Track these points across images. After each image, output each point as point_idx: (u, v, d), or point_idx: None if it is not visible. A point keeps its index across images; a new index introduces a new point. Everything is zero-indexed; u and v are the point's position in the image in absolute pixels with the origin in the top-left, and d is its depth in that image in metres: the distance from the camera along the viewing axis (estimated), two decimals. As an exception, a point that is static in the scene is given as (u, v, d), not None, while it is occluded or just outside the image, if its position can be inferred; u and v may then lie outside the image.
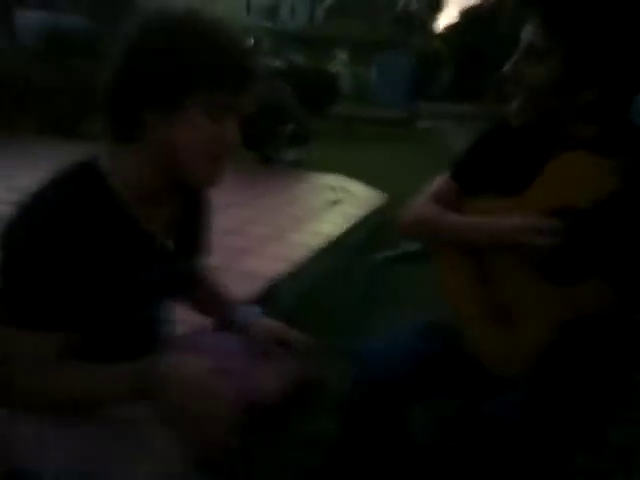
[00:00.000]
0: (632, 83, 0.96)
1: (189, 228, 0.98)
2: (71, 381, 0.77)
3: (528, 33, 0.96)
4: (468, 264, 1.14)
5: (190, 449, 0.76)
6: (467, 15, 22.60)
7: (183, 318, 1.46)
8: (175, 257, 0.92)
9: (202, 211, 1.04)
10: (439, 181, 1.20)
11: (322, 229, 3.29)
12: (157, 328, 1.00)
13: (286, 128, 5.29)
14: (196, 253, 1.03)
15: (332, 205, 3.88)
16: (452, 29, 24.25)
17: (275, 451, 1.51)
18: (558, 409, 1.04)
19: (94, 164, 0.81)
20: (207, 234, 1.08)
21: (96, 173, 0.81)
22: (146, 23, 0.78)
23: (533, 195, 1.05)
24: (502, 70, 1.01)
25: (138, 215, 0.84)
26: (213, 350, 1.05)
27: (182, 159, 0.79)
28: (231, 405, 0.76)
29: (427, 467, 1.46)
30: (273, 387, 1.02)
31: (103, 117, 0.81)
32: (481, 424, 1.03)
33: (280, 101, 5.37)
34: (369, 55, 19.59)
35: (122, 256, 0.82)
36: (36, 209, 0.76)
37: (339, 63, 19.74)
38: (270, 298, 2.30)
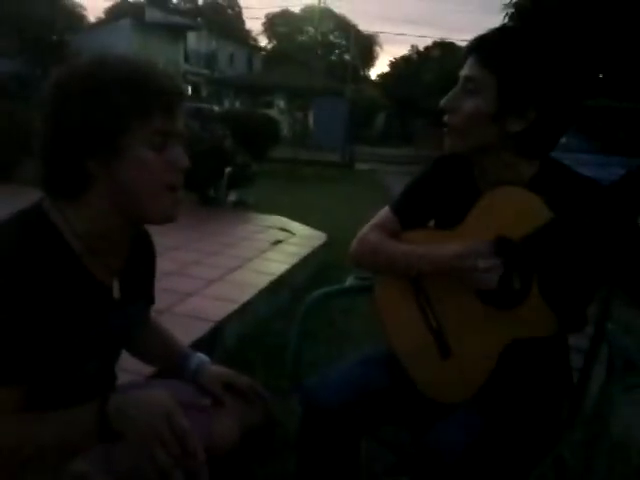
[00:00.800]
0: (557, 118, 1.03)
1: (136, 275, 0.95)
2: (22, 429, 0.72)
3: (466, 69, 1.04)
4: (406, 293, 1.17)
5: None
6: (397, 65, 24.10)
7: (125, 366, 1.42)
8: (122, 304, 0.90)
9: (149, 258, 1.02)
10: (381, 214, 1.26)
11: (266, 268, 3.29)
12: (110, 378, 0.98)
13: (227, 170, 5.32)
14: (144, 299, 1.01)
15: (275, 245, 3.90)
16: (383, 78, 25.69)
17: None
18: (504, 433, 1.06)
19: (43, 214, 0.79)
20: (153, 280, 1.06)
21: (47, 224, 0.78)
22: (70, 69, 0.77)
23: (469, 227, 1.11)
24: (440, 103, 1.07)
25: (88, 261, 0.81)
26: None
27: (138, 199, 0.78)
28: (193, 437, 0.75)
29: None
30: (227, 433, 1.00)
31: (41, 168, 0.78)
32: (424, 455, 1.04)
33: (221, 144, 5.42)
34: (306, 102, 20.23)
35: (77, 308, 0.79)
36: None
37: (277, 109, 20.23)
38: (215, 339, 2.26)
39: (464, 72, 1.04)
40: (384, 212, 1.26)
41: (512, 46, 1.00)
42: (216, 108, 15.21)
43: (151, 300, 1.07)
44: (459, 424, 1.06)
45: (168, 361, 1.11)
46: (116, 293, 0.88)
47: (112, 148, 0.75)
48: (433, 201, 1.19)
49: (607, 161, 4.82)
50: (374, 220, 1.26)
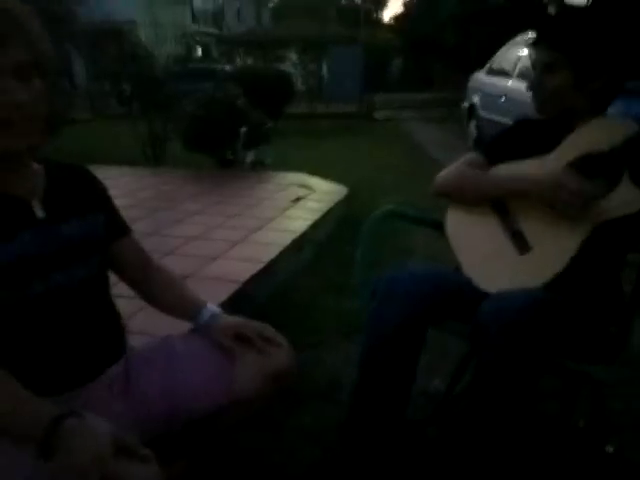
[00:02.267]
0: (623, 73, 1.25)
1: (66, 197, 0.96)
2: None
3: (541, 54, 1.27)
4: (483, 211, 1.29)
5: None
6: (411, 4, 22.88)
7: (144, 329, 1.45)
8: (49, 221, 0.91)
9: (85, 183, 1.03)
10: (466, 157, 1.39)
11: (288, 226, 3.29)
12: (85, 300, 0.95)
13: (242, 130, 5.26)
14: (88, 219, 0.99)
15: (296, 202, 3.89)
16: (398, 19, 24.48)
17: (271, 448, 1.51)
18: (570, 306, 1.15)
19: None
20: (114, 211, 1.08)
21: None
22: None
23: (555, 155, 1.25)
24: (527, 86, 1.34)
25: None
26: (184, 352, 1.06)
27: None
28: None
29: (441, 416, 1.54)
30: (247, 384, 1.01)
31: None
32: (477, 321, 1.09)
33: (233, 104, 5.33)
34: (319, 53, 19.62)
35: None
36: None
37: (290, 63, 19.71)
38: (243, 299, 2.30)
39: (540, 57, 1.28)
40: (470, 154, 1.39)
41: (577, 28, 1.23)
42: (227, 67, 14.93)
43: (121, 230, 1.09)
44: (516, 294, 1.11)
45: (181, 310, 1.13)
46: (39, 212, 0.90)
47: None
48: (518, 143, 1.33)
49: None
50: (459, 161, 1.38)
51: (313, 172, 4.95)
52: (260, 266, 2.57)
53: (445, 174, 1.37)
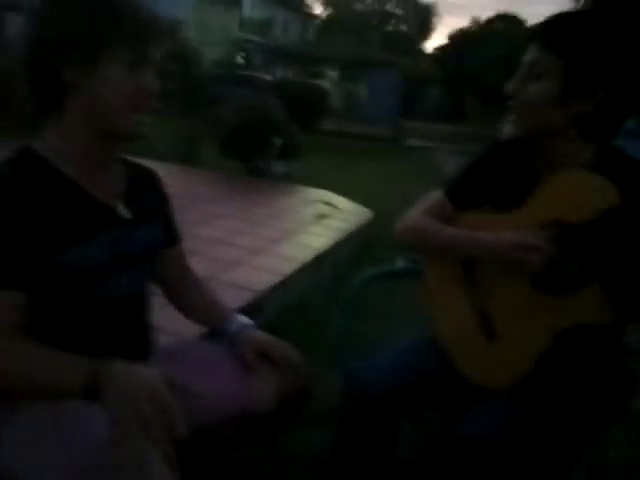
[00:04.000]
0: (622, 101, 1.02)
1: (144, 202, 0.99)
2: (24, 360, 0.77)
3: (531, 53, 1.04)
4: (455, 276, 1.16)
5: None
6: (456, 38, 23.00)
7: (165, 326, 1.47)
8: (130, 224, 0.93)
9: (157, 192, 1.06)
10: (432, 197, 1.23)
11: (310, 242, 3.31)
12: (134, 306, 0.99)
13: (276, 141, 5.33)
14: (155, 225, 1.02)
15: (320, 219, 3.91)
16: (441, 51, 24.62)
17: (266, 465, 1.50)
18: (549, 423, 1.04)
19: (27, 146, 0.86)
20: (172, 217, 1.10)
21: (30, 153, 0.85)
22: None
23: (528, 210, 1.09)
24: (505, 87, 1.07)
25: (79, 181, 0.87)
26: (203, 358, 1.06)
27: (105, 114, 0.84)
28: (179, 418, 0.75)
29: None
30: (261, 398, 1.02)
31: (25, 84, 0.85)
32: (458, 443, 1.02)
33: (270, 114, 5.41)
34: (358, 73, 19.85)
35: (71, 218, 0.84)
36: None
37: (329, 80, 19.95)
38: (256, 310, 2.31)
39: (529, 57, 1.04)
40: (435, 196, 1.22)
41: (579, 30, 1.00)
42: (268, 77, 15.17)
43: (175, 237, 1.11)
44: (495, 411, 1.05)
45: (210, 319, 1.14)
46: (123, 213, 0.93)
47: (89, 59, 0.81)
48: (490, 185, 1.17)
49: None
50: (423, 204, 1.23)
51: (340, 191, 4.97)
52: (278, 278, 2.59)
53: (405, 223, 1.21)
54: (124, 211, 0.93)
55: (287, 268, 2.75)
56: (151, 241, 0.99)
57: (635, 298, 1.03)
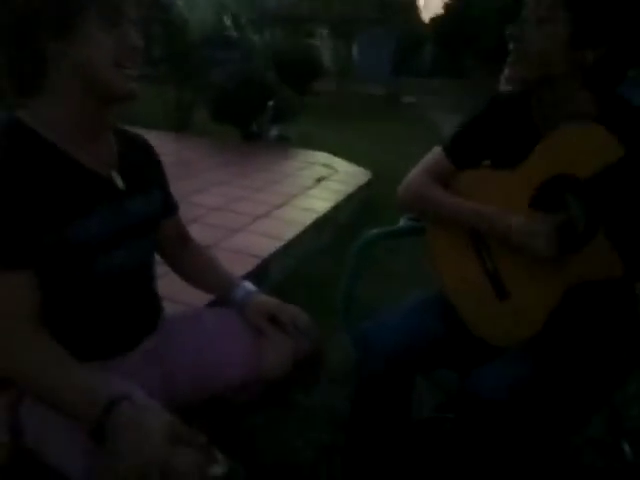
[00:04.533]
0: (631, 49, 0.99)
1: (138, 170, 0.96)
2: (46, 371, 0.74)
3: (536, 5, 1.00)
4: (461, 235, 1.14)
5: None
6: (452, 7, 22.35)
7: (170, 295, 1.45)
8: (127, 194, 0.90)
9: (150, 159, 1.03)
10: (432, 155, 1.20)
11: (310, 205, 3.27)
12: (140, 276, 0.97)
13: (269, 104, 5.21)
14: (153, 193, 0.99)
15: (319, 182, 3.86)
16: (436, 21, 23.98)
17: (281, 427, 1.51)
18: (563, 379, 1.03)
19: (13, 117, 0.82)
20: (167, 186, 1.07)
21: (20, 124, 0.81)
22: None
23: (530, 166, 1.06)
24: (508, 31, 1.03)
25: (73, 152, 0.83)
26: (214, 326, 1.05)
27: (93, 76, 0.80)
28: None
29: (428, 441, 1.48)
30: (275, 365, 1.01)
31: (5, 61, 0.81)
32: (471, 402, 1.02)
33: (261, 77, 5.27)
34: (350, 31, 19.30)
35: (69, 192, 0.81)
36: None
37: (320, 39, 19.42)
38: (260, 275, 2.29)
39: (535, 7, 1.01)
40: (435, 154, 1.19)
41: None
42: (256, 38, 14.73)
43: (172, 207, 1.09)
44: (507, 369, 1.04)
45: (215, 287, 1.13)
46: (120, 184, 0.90)
47: (66, 26, 0.78)
48: (489, 141, 1.14)
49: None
50: (424, 162, 1.20)
51: (337, 152, 4.90)
52: (281, 243, 2.56)
53: (405, 189, 1.20)
54: (120, 182, 0.90)
55: (289, 232, 2.72)
56: (150, 211, 0.97)
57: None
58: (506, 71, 1.06)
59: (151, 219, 0.97)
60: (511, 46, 1.03)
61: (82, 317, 0.86)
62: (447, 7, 22.79)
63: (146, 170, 0.99)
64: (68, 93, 0.81)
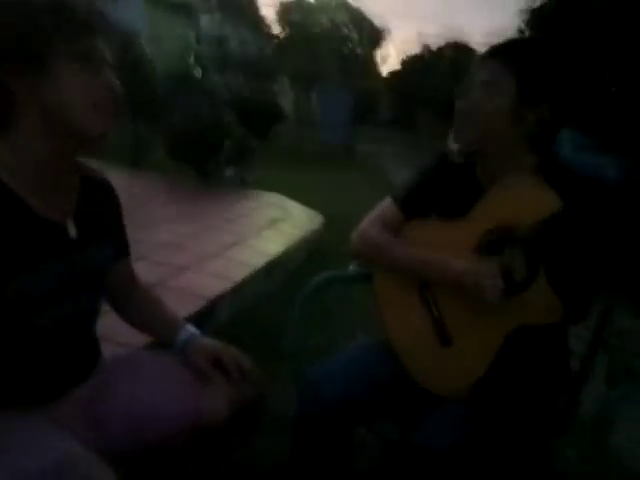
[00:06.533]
0: (568, 109, 1.13)
1: (96, 218, 0.93)
2: None
3: (484, 71, 1.11)
4: (407, 282, 1.18)
5: None
6: (408, 63, 23.76)
7: (117, 339, 1.40)
8: (80, 244, 0.88)
9: (110, 203, 1.01)
10: (383, 205, 1.26)
11: (262, 247, 3.26)
12: (81, 325, 0.94)
13: (226, 144, 5.25)
14: (106, 242, 0.97)
15: (272, 224, 3.87)
16: (394, 76, 25.36)
17: (219, 476, 1.45)
18: (499, 430, 1.05)
19: None
20: (123, 230, 1.05)
21: None
22: None
23: (473, 218, 1.12)
24: (457, 102, 1.13)
25: (29, 199, 0.80)
26: (152, 371, 1.01)
27: (69, 118, 0.78)
28: None
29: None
30: (214, 409, 0.98)
31: None
32: (413, 452, 1.02)
33: (219, 117, 5.33)
34: (311, 83, 19.96)
35: (20, 244, 0.78)
36: None
37: (281, 87, 19.93)
38: (206, 316, 2.24)
39: (482, 74, 1.11)
40: (386, 204, 1.26)
41: (530, 50, 1.11)
42: (218, 79, 14.93)
43: (125, 250, 1.06)
44: (449, 418, 1.05)
45: (158, 330, 1.10)
46: (73, 234, 0.87)
47: (36, 67, 0.75)
48: (436, 194, 1.22)
49: (602, 160, 4.82)
50: (376, 212, 1.26)
51: (292, 196, 4.96)
52: (230, 285, 2.53)
53: (359, 238, 1.24)
54: (74, 231, 0.87)
55: (240, 273, 2.69)
56: (101, 261, 0.94)
57: (579, 298, 1.07)
58: (453, 131, 1.14)
59: (101, 269, 0.95)
60: (457, 106, 1.12)
61: (13, 360, 0.81)
62: (404, 63, 24.17)
63: (105, 217, 0.97)
64: (36, 134, 0.78)
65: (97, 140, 0.83)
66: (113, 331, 1.33)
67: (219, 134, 5.17)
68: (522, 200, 1.08)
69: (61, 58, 0.76)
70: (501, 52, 1.11)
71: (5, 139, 0.78)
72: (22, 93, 0.76)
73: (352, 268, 1.47)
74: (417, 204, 1.22)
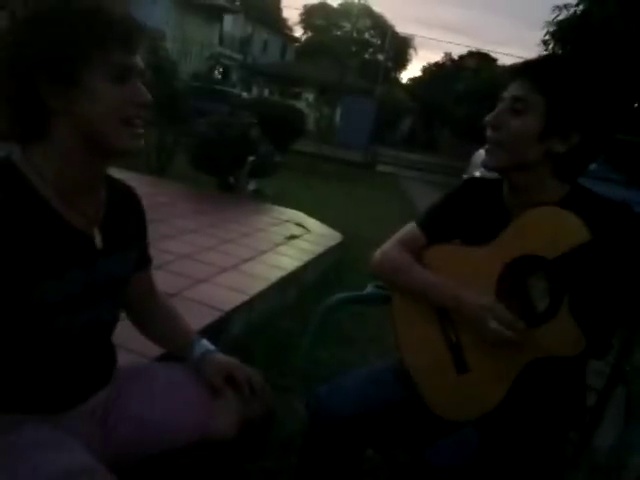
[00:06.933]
0: (596, 143, 1.08)
1: (121, 227, 0.94)
2: None
3: (514, 89, 1.08)
4: (425, 306, 1.16)
5: None
6: (429, 71, 23.82)
7: (131, 347, 1.40)
8: (105, 254, 0.89)
9: (135, 213, 1.02)
10: (407, 229, 1.25)
11: (278, 262, 3.27)
12: (100, 334, 0.95)
13: (249, 159, 5.31)
14: (130, 252, 0.98)
15: (289, 240, 3.89)
16: (415, 83, 25.39)
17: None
18: (509, 457, 1.04)
19: (10, 162, 0.80)
20: (146, 240, 1.06)
21: (14, 171, 0.79)
22: (34, 3, 0.79)
23: (498, 245, 1.11)
24: (486, 119, 1.11)
25: (59, 207, 0.82)
26: (164, 383, 1.02)
27: (96, 131, 0.79)
28: None
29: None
30: (224, 426, 0.99)
31: (4, 108, 0.79)
32: (424, 473, 1.02)
33: (247, 131, 5.40)
34: (334, 98, 20.14)
35: (47, 251, 0.79)
36: None
37: (306, 102, 20.16)
38: (221, 329, 2.25)
39: (512, 92, 1.08)
40: (410, 227, 1.25)
41: (562, 71, 1.06)
42: (244, 94, 15.19)
43: (147, 261, 1.07)
44: (460, 443, 1.04)
45: (174, 343, 1.10)
46: (99, 243, 0.88)
47: (70, 79, 0.76)
48: (461, 220, 1.20)
49: (630, 194, 4.75)
50: (399, 235, 1.26)
51: (310, 212, 4.97)
52: (245, 298, 2.54)
53: (380, 257, 1.23)
54: (100, 241, 0.88)
55: (255, 287, 2.70)
56: (124, 271, 0.95)
57: (602, 331, 1.06)
58: (484, 157, 1.14)
59: (123, 278, 0.96)
60: (488, 133, 1.11)
61: (30, 368, 0.82)
62: (425, 70, 24.25)
63: (130, 227, 0.98)
64: (69, 146, 0.80)
65: (125, 154, 0.85)
66: (129, 339, 1.34)
67: (243, 148, 5.24)
68: (549, 230, 1.06)
69: (96, 72, 0.77)
70: (529, 70, 1.08)
71: (40, 148, 0.80)
72: (56, 104, 0.77)
73: (370, 288, 1.46)
74: (442, 228, 1.21)
